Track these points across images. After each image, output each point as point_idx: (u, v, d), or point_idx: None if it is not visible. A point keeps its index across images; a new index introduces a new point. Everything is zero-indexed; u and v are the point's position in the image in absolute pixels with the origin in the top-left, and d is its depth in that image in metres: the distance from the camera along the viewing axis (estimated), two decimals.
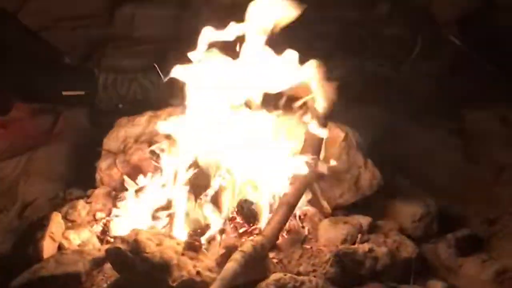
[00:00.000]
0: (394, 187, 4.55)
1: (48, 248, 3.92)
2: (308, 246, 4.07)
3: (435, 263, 4.23)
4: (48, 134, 5.24)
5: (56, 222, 4.04)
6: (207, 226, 4.00)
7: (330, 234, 4.14)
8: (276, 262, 3.93)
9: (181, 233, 3.99)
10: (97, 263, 3.81)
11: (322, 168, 4.13)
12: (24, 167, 4.98)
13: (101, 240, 4.14)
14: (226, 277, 3.42)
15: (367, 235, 4.18)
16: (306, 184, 4.02)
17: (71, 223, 4.23)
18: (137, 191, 4.28)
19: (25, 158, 5.04)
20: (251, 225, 4.13)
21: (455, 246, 4.30)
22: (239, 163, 4.11)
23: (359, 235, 4.11)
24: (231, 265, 3.49)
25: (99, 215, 4.32)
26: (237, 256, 3.54)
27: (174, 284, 3.51)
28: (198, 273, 3.59)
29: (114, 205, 4.33)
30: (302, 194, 4.04)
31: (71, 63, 5.36)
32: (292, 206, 3.98)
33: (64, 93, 5.08)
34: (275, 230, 3.85)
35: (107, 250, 3.70)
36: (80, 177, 4.89)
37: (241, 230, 4.13)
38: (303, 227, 4.26)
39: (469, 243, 4.37)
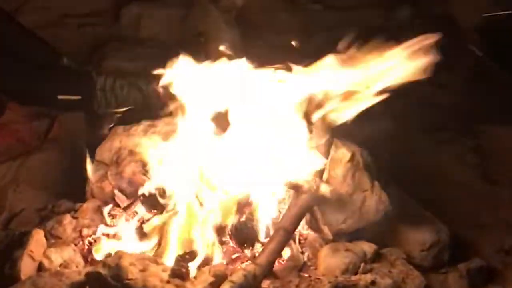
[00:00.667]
0: (403, 210, 4.23)
1: (26, 268, 3.69)
2: (306, 275, 3.77)
3: None
4: (42, 139, 4.96)
5: (37, 239, 3.79)
6: (196, 251, 3.67)
7: (330, 262, 3.89)
8: None
9: (170, 257, 3.74)
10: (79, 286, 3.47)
11: (325, 190, 3.78)
12: (15, 174, 4.75)
13: (86, 260, 3.85)
14: None
15: (371, 264, 3.94)
16: (306, 208, 3.74)
17: (54, 240, 3.91)
18: (126, 208, 3.94)
19: (16, 164, 4.79)
20: (245, 250, 3.90)
21: (467, 278, 4.06)
22: (235, 182, 3.85)
23: (362, 264, 3.84)
24: None
25: (85, 231, 4.06)
26: (226, 286, 3.34)
27: None
28: None
29: (103, 222, 3.98)
30: (301, 219, 3.80)
31: (69, 65, 4.99)
32: (289, 232, 3.72)
33: (59, 97, 4.78)
34: (270, 258, 3.59)
35: (87, 274, 3.50)
36: (73, 187, 4.61)
37: (234, 256, 3.89)
38: (302, 252, 4.01)
39: (483, 274, 4.13)
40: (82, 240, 4.02)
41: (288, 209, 3.75)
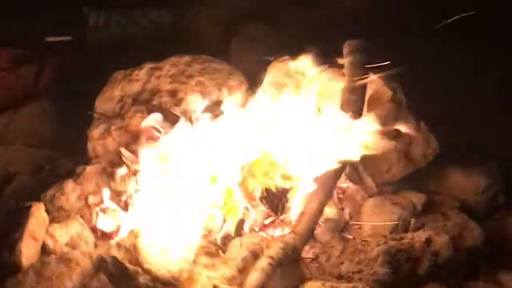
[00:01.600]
0: (452, 153, 3.75)
1: (28, 251, 3.23)
2: (349, 236, 3.32)
3: (504, 243, 3.51)
4: (32, 86, 4.48)
5: (37, 216, 3.32)
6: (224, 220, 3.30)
7: (377, 220, 3.44)
8: (311, 260, 3.27)
9: (194, 230, 3.26)
10: (89, 275, 3.03)
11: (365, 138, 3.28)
12: (4, 130, 4.21)
13: (95, 233, 3.45)
14: None
15: (422, 216, 3.48)
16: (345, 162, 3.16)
17: (57, 212, 3.45)
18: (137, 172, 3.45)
19: (5, 118, 4.27)
20: (279, 215, 3.41)
21: None
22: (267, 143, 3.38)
23: (412, 220, 3.38)
24: (256, 277, 2.87)
25: (91, 199, 3.57)
26: (263, 264, 2.91)
27: None
28: (214, 287, 2.94)
29: (111, 187, 3.48)
30: (341, 173, 3.28)
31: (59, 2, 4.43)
32: (330, 190, 3.29)
33: (48, 39, 4.24)
34: (310, 224, 3.19)
35: (100, 260, 3.09)
36: (71, 143, 4.16)
37: (266, 221, 3.42)
38: (342, 209, 3.50)
39: None
40: (89, 210, 3.49)
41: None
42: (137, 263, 2.97)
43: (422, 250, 3.16)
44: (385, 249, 3.13)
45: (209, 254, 3.10)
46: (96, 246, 3.39)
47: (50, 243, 3.30)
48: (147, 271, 2.94)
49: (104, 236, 3.44)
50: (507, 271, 3.30)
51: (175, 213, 3.25)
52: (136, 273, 2.96)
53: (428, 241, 3.20)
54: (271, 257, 2.93)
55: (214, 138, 3.36)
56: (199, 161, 3.30)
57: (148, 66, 4.05)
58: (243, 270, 3.03)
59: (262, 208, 3.37)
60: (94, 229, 3.48)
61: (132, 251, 2.99)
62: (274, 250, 2.96)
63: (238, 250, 3.10)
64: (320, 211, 3.18)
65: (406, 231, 3.36)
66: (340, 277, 3.14)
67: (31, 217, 3.30)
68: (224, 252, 3.15)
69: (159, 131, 3.59)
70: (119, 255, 2.99)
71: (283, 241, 3.00)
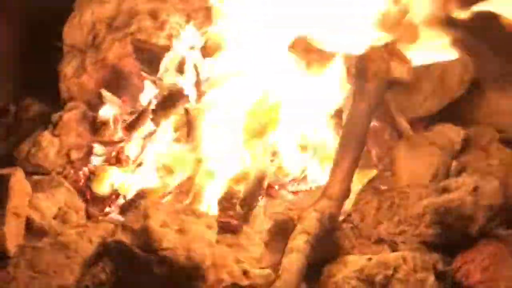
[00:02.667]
0: (491, 74, 3.29)
1: (12, 232, 2.76)
2: (383, 187, 2.89)
3: None
4: None
5: (19, 188, 2.83)
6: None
7: (413, 166, 3.04)
8: (343, 220, 2.87)
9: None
10: (91, 263, 2.63)
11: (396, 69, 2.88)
12: None
13: (85, 199, 3.03)
14: (291, 282, 2.44)
15: (462, 155, 3.08)
16: (377, 100, 2.76)
17: (39, 177, 3.01)
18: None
19: None
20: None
21: None
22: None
23: (454, 163, 2.99)
24: (294, 260, 2.48)
25: (74, 154, 3.10)
26: (299, 242, 2.53)
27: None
28: (245, 273, 2.54)
29: (95, 138, 3.02)
30: (371, 118, 2.89)
31: None
32: (361, 139, 2.85)
33: None
34: (344, 185, 2.75)
35: (104, 246, 2.66)
36: (38, 78, 3.53)
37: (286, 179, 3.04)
38: (368, 151, 3.10)
39: None
40: (74, 169, 3.02)
41: (353, 107, 2.71)
42: (150, 249, 2.47)
43: (475, 205, 2.75)
44: (433, 208, 2.74)
45: (232, 230, 2.70)
46: (88, 215, 2.92)
47: (36, 217, 2.86)
48: (163, 260, 2.43)
49: (97, 202, 2.96)
50: None
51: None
52: (149, 261, 2.44)
53: (476, 189, 2.78)
54: (307, 233, 2.54)
55: None
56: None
57: None
58: (269, 243, 2.70)
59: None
60: (83, 193, 2.98)
61: (142, 233, 2.45)
62: (310, 223, 2.57)
63: (261, 220, 2.71)
64: (354, 166, 2.77)
65: (447, 175, 2.95)
66: (380, 241, 2.72)
67: (12, 190, 2.80)
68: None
69: None
70: (126, 238, 2.44)
71: (317, 210, 2.59)
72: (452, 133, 3.09)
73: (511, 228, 2.80)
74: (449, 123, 3.15)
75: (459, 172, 2.98)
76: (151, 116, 3.00)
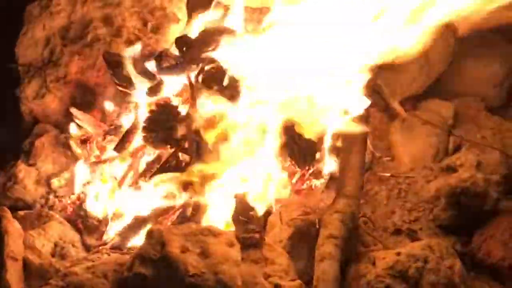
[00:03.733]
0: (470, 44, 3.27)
1: (14, 279, 2.55)
2: (386, 174, 2.79)
3: None
4: None
5: (13, 232, 2.63)
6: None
7: (413, 149, 3.02)
8: None
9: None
10: None
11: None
12: None
13: (78, 229, 2.86)
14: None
15: (455, 129, 3.08)
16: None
17: (23, 212, 2.83)
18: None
19: None
20: (307, 167, 2.89)
21: None
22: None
23: (451, 140, 2.96)
24: (327, 269, 2.39)
25: (56, 183, 2.88)
26: (329, 248, 2.44)
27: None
28: (276, 287, 2.42)
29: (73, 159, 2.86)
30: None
31: None
32: (365, 135, 2.74)
33: None
34: (358, 183, 2.68)
35: (123, 282, 2.43)
36: None
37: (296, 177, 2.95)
38: None
39: None
40: (58, 198, 2.83)
41: None
42: (176, 277, 2.36)
43: (486, 182, 2.74)
44: (447, 190, 2.71)
45: (255, 245, 2.56)
46: (85, 246, 2.75)
47: (33, 258, 2.65)
48: (190, 285, 2.32)
49: (91, 230, 2.80)
50: None
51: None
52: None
53: (479, 164, 2.79)
54: (334, 237, 2.46)
55: None
56: None
57: None
58: (292, 252, 2.56)
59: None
60: (73, 223, 2.83)
61: (164, 263, 2.35)
62: (334, 226, 2.49)
63: (280, 229, 2.61)
64: (362, 161, 2.67)
65: (446, 152, 2.93)
66: (398, 231, 2.68)
67: (6, 233, 2.61)
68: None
69: None
70: (146, 271, 2.33)
71: (339, 211, 2.52)
72: (443, 109, 3.05)
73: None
74: (435, 99, 3.07)
75: (456, 149, 2.91)
76: (143, 134, 2.81)
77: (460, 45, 3.19)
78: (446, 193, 2.70)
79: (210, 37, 2.92)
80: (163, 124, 2.85)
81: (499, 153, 2.84)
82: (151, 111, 2.86)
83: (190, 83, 2.84)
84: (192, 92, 2.81)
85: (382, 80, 2.97)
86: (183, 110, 2.84)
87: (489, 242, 2.66)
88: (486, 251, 2.64)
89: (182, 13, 3.31)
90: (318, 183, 2.83)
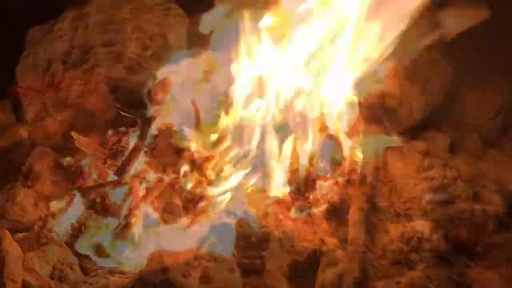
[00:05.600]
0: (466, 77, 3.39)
1: None
2: (385, 179, 3.11)
3: None
4: None
5: (12, 251, 2.61)
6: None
7: (402, 164, 3.14)
8: None
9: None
10: None
11: None
12: None
13: (74, 252, 2.82)
14: (361, 246, 2.71)
15: (451, 160, 3.13)
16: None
17: (22, 234, 2.81)
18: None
19: None
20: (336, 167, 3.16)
21: None
22: None
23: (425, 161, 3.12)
24: (358, 231, 2.75)
25: (56, 205, 2.91)
26: (357, 216, 2.82)
27: (301, 258, 2.66)
28: (322, 241, 2.75)
29: (72, 183, 2.88)
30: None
31: None
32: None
33: None
34: (375, 174, 3.06)
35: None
36: None
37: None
38: None
39: None
40: (55, 220, 2.86)
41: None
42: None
43: (455, 186, 2.93)
44: (432, 188, 2.96)
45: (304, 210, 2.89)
46: (84, 271, 2.74)
47: (31, 280, 2.64)
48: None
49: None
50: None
51: None
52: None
53: (476, 195, 2.89)
54: (361, 210, 2.81)
55: None
56: None
57: (70, 15, 3.34)
58: (329, 219, 2.88)
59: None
60: (71, 246, 2.82)
61: (164, 287, 2.36)
62: (361, 202, 2.87)
63: (321, 204, 2.94)
64: (378, 161, 3.09)
65: (424, 170, 3.04)
66: (397, 215, 3.00)
67: (6, 254, 2.60)
68: None
69: None
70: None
71: (363, 193, 2.90)
72: (439, 141, 3.14)
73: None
74: (432, 130, 3.16)
75: (454, 179, 2.96)
76: (146, 159, 2.83)
77: (456, 77, 3.20)
78: (431, 191, 2.85)
79: None
80: (165, 150, 2.86)
81: (495, 185, 2.85)
82: (154, 136, 2.88)
83: (196, 108, 2.88)
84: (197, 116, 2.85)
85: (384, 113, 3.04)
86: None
87: (459, 228, 2.78)
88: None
89: (181, 40, 3.28)
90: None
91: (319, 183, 2.94)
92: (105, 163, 2.95)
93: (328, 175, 3.00)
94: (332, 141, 3.12)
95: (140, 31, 3.25)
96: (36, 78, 3.25)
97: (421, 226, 2.71)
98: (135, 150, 2.91)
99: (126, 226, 2.65)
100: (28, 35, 3.23)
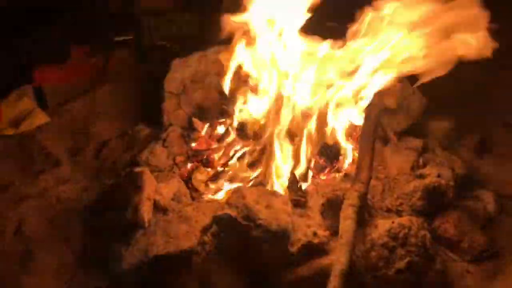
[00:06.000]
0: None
1: (146, 210, 2.05)
2: (381, 176, 2.19)
3: None
4: (103, 72, 3.12)
5: (149, 180, 2.11)
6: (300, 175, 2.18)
7: (398, 161, 2.40)
8: None
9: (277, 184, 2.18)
10: (206, 230, 1.80)
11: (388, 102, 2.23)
12: (90, 107, 2.85)
13: (187, 186, 2.29)
14: (350, 240, 1.79)
15: (423, 154, 2.46)
16: (377, 119, 2.05)
17: (156, 173, 2.30)
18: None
19: (89, 98, 2.95)
20: (334, 164, 2.33)
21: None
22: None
23: (421, 159, 2.42)
24: (349, 226, 1.83)
25: (178, 158, 2.41)
26: (349, 212, 1.88)
27: (294, 250, 1.85)
28: (314, 234, 1.91)
29: (190, 148, 2.31)
30: (377, 130, 2.17)
31: (112, 10, 3.04)
32: (373, 145, 2.11)
33: (116, 39, 2.87)
34: (369, 174, 2.07)
35: (216, 218, 1.92)
36: (141, 113, 2.85)
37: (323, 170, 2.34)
38: None
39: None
40: (178, 168, 2.29)
41: (365, 123, 2.04)
42: (249, 219, 1.82)
43: (446, 184, 2.18)
44: (421, 188, 2.17)
45: (300, 205, 2.01)
46: (192, 197, 2.14)
47: (160, 199, 2.12)
48: (260, 226, 1.68)
49: (195, 188, 2.26)
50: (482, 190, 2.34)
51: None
52: (249, 227, 1.71)
53: (439, 175, 2.22)
54: (353, 205, 1.90)
55: None
56: None
57: (197, 54, 2.78)
58: (324, 213, 2.03)
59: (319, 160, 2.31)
60: (186, 183, 2.29)
61: (243, 209, 1.78)
62: (354, 198, 1.92)
63: (315, 198, 2.04)
64: (372, 160, 2.10)
65: (418, 167, 2.35)
66: (389, 211, 2.08)
67: (145, 182, 2.08)
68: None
69: None
70: (232, 213, 1.74)
71: (357, 190, 1.95)
72: (416, 143, 2.48)
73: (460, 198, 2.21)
74: (412, 136, 2.51)
75: (424, 165, 2.31)
76: (236, 133, 2.22)
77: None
78: (422, 189, 2.08)
79: None
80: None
81: (450, 169, 2.19)
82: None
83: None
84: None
85: (383, 119, 2.37)
86: None
87: (446, 224, 2.11)
88: (444, 230, 2.06)
89: None
90: (338, 175, 2.13)
91: (317, 179, 2.14)
92: (210, 136, 2.33)
93: (326, 171, 2.21)
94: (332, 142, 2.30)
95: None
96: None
97: (409, 222, 1.90)
98: (228, 130, 2.33)
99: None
100: (173, 63, 2.63)
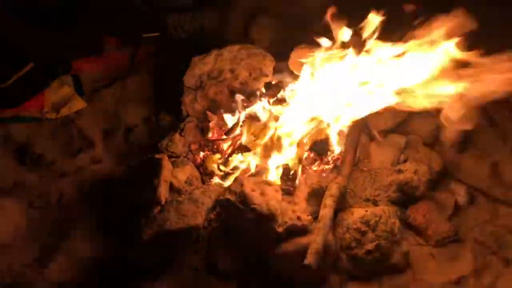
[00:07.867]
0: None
1: (163, 191, 2.40)
2: (365, 169, 2.48)
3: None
4: (132, 63, 3.43)
5: (167, 165, 2.47)
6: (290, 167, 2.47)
7: (381, 157, 2.69)
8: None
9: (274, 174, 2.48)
10: (211, 210, 2.18)
11: None
12: (121, 94, 3.18)
13: (199, 171, 2.63)
14: (327, 224, 2.12)
15: (405, 151, 2.72)
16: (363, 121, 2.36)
17: (174, 159, 2.64)
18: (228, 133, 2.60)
19: (119, 86, 3.29)
20: (323, 158, 2.61)
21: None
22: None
23: (402, 156, 2.68)
24: (327, 212, 2.15)
25: (192, 146, 2.69)
26: (329, 201, 2.20)
27: (280, 230, 2.15)
28: (298, 218, 2.20)
29: (204, 137, 2.63)
30: (361, 128, 2.52)
31: (141, 7, 3.40)
32: (357, 143, 2.41)
33: (144, 35, 3.19)
34: (350, 169, 2.42)
35: (219, 202, 2.29)
36: (165, 102, 3.15)
37: (314, 164, 2.61)
38: None
39: None
40: (192, 155, 2.63)
41: (352, 124, 2.38)
42: (245, 204, 2.16)
43: (418, 179, 2.48)
44: (396, 182, 2.45)
45: (289, 193, 2.33)
46: (202, 181, 2.50)
47: (175, 182, 2.47)
48: (253, 210, 2.05)
49: (206, 174, 2.61)
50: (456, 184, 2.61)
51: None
52: (245, 211, 2.06)
53: (416, 171, 2.50)
54: (332, 196, 2.22)
55: None
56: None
57: (214, 53, 3.06)
58: (309, 200, 2.33)
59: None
60: (198, 168, 2.64)
61: (241, 195, 2.12)
62: (334, 189, 2.25)
63: (304, 188, 2.34)
64: (353, 158, 2.45)
65: (399, 162, 2.63)
66: (367, 200, 2.37)
67: (163, 167, 2.45)
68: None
69: None
70: (231, 198, 2.08)
71: (337, 182, 2.27)
72: (400, 140, 2.74)
73: (434, 191, 2.50)
74: (395, 134, 2.76)
75: (404, 161, 2.57)
76: (241, 124, 2.57)
77: None
78: (397, 183, 2.39)
79: None
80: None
81: (427, 167, 2.48)
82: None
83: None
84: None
85: (369, 119, 2.65)
86: None
87: (415, 213, 2.40)
88: (413, 218, 2.34)
89: (269, 71, 2.97)
90: (326, 167, 2.46)
91: (307, 171, 2.39)
92: (221, 128, 2.68)
93: (317, 164, 2.47)
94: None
95: (249, 65, 2.95)
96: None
97: (381, 211, 2.22)
98: (236, 123, 2.64)
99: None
100: (192, 60, 2.95)
